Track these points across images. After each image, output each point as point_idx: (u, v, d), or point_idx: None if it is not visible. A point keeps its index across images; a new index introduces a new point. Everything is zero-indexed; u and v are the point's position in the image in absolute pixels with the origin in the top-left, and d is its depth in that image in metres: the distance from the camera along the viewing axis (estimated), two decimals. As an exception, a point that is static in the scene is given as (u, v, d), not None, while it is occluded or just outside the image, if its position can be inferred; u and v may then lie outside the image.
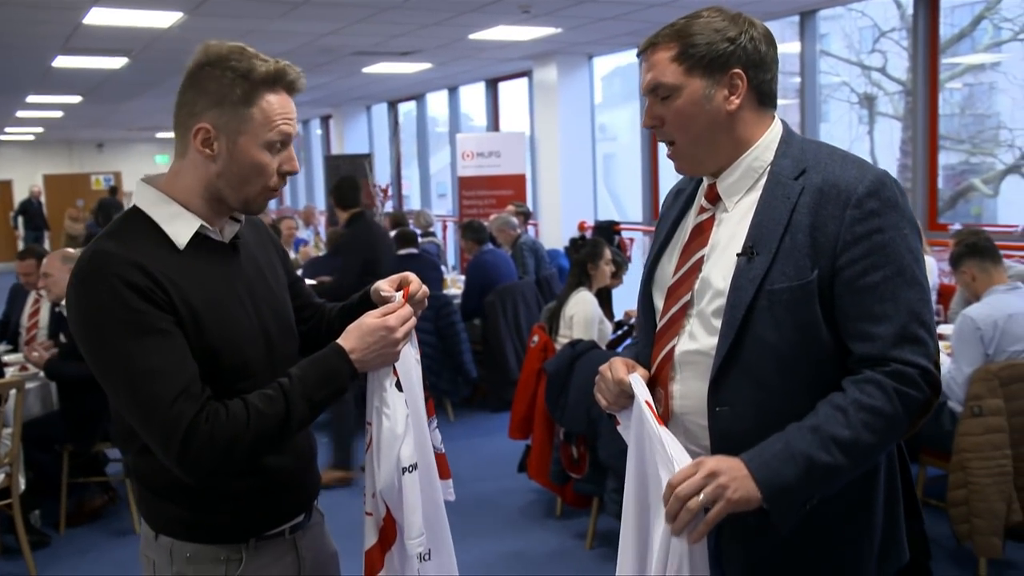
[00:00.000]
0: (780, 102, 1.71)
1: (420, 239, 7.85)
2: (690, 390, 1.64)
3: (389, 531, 1.73)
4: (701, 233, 1.68)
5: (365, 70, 10.66)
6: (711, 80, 1.59)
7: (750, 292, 1.54)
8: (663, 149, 1.73)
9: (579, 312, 4.59)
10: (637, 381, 1.65)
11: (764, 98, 1.64)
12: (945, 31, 6.88)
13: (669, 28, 1.62)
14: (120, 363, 1.52)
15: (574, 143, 10.19)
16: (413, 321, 1.74)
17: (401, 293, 1.77)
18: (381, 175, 13.97)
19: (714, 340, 1.59)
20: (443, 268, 7.38)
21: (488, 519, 4.65)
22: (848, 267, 1.52)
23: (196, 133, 1.61)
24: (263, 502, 1.71)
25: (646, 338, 1.76)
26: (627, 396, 1.66)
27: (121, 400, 1.55)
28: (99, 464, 4.97)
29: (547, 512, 4.71)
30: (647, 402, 1.61)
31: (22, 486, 4.18)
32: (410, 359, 1.79)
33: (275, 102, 1.64)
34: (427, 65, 10.37)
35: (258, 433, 1.56)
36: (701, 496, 1.42)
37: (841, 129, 14.10)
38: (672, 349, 1.66)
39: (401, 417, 1.70)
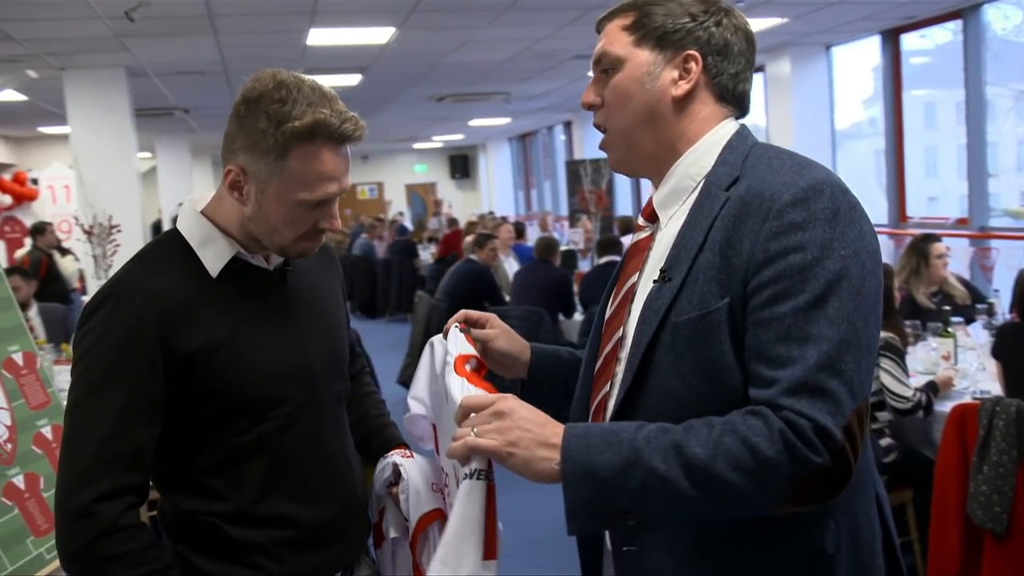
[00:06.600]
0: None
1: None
2: None
3: None
4: (636, 255, 1.42)
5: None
6: (661, 56, 1.36)
7: (653, 325, 1.27)
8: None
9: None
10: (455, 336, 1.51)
11: (725, 94, 1.38)
12: None
13: None
14: (80, 399, 1.46)
15: (809, 137, 9.50)
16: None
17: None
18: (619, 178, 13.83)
19: None
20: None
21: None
22: (755, 293, 1.21)
23: (227, 174, 1.50)
24: (290, 557, 1.56)
25: (584, 379, 1.48)
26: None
27: (63, 437, 1.46)
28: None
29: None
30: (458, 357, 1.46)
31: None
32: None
33: (313, 158, 1.45)
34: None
35: None
36: (473, 431, 1.21)
37: None
38: (604, 398, 1.38)
39: None
